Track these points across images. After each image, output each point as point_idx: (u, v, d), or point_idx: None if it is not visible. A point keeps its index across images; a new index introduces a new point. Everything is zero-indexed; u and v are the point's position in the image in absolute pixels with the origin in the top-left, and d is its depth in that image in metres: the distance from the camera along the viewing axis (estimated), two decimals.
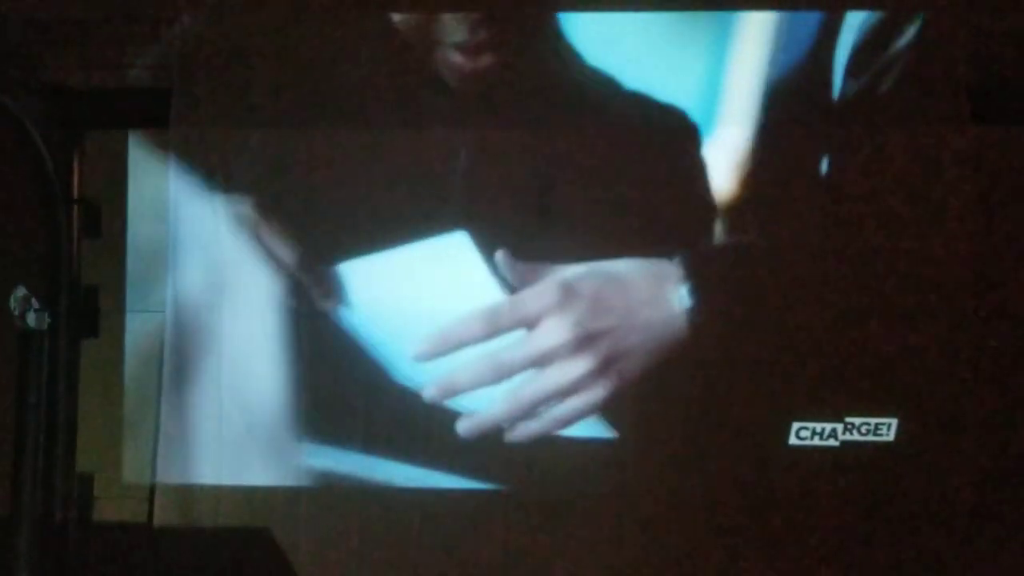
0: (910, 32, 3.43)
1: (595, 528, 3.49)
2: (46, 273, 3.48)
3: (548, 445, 3.45)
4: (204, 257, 3.62)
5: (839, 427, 3.39)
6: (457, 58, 3.41)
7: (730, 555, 3.43)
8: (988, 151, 3.42)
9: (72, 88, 3.63)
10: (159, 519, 3.60)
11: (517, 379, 3.38)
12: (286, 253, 3.57)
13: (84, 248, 3.64)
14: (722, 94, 3.43)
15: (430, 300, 3.46)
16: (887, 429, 3.38)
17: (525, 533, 3.50)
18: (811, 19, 3.43)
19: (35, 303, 2.75)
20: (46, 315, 2.74)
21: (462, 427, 3.40)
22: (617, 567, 3.47)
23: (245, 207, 3.59)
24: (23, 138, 3.40)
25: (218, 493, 3.60)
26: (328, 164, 3.59)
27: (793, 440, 3.40)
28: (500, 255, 3.32)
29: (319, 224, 3.57)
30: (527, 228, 3.44)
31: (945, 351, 3.38)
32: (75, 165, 3.62)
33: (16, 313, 2.71)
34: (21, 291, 2.74)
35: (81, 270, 3.62)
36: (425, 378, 3.47)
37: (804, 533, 3.42)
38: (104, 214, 3.65)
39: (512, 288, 3.38)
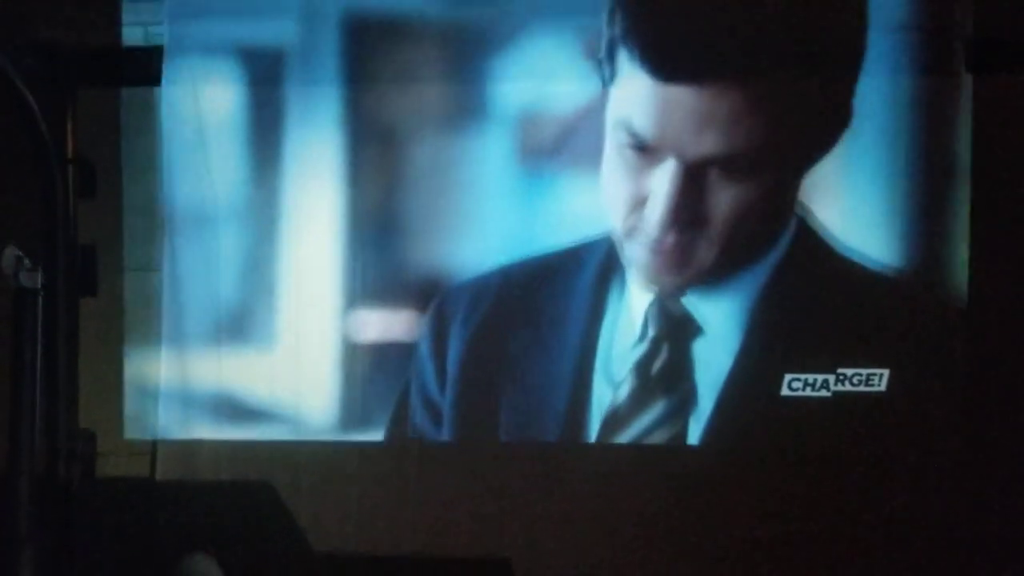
0: None
1: (587, 479, 3.53)
2: (42, 233, 3.49)
3: None
4: (199, 213, 3.63)
5: (831, 378, 3.41)
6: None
7: (720, 507, 3.47)
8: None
9: (64, 47, 3.62)
10: (162, 474, 3.66)
11: None
12: None
13: (80, 207, 3.65)
14: None
15: None
16: (879, 380, 3.39)
17: (523, 484, 3.54)
18: None
19: (27, 262, 2.77)
20: (39, 274, 2.76)
21: None
22: (607, 516, 3.51)
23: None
24: (15, 98, 3.38)
25: (219, 447, 3.65)
26: None
27: (785, 391, 3.42)
28: None
29: None
30: None
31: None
32: (68, 124, 3.62)
33: (9, 272, 2.74)
34: (13, 250, 2.76)
35: (78, 229, 3.64)
36: None
37: (795, 484, 3.45)
38: (99, 173, 3.65)
39: None
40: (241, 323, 3.62)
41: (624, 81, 3.28)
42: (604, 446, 3.50)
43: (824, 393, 3.41)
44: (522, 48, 3.46)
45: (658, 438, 3.46)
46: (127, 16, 3.66)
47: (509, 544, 3.53)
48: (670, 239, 3.26)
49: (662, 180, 3.21)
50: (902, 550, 3.41)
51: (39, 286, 2.78)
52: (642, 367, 3.43)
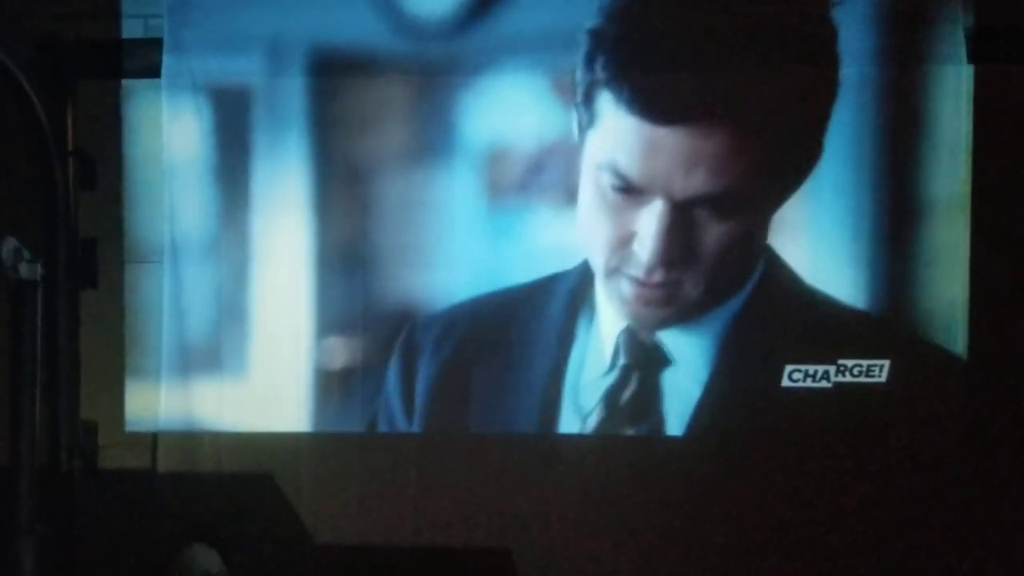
0: None
1: (588, 472, 3.53)
2: (43, 226, 3.50)
3: None
4: (201, 206, 3.64)
5: (831, 369, 3.41)
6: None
7: (722, 496, 3.47)
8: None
9: (64, 39, 3.62)
10: (163, 466, 3.66)
11: None
12: None
13: (81, 200, 3.65)
14: None
15: None
16: (879, 371, 3.39)
17: (523, 477, 3.54)
18: None
19: (27, 254, 2.77)
20: (38, 266, 2.77)
21: None
22: (610, 510, 3.52)
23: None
24: (15, 91, 3.39)
25: (220, 440, 3.66)
26: None
27: (786, 382, 3.42)
28: None
29: None
30: None
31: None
32: (69, 117, 3.62)
33: (8, 264, 2.74)
34: (12, 242, 2.76)
35: (78, 222, 3.64)
36: None
37: (796, 473, 3.45)
38: (99, 166, 3.66)
39: None
40: (213, 353, 3.64)
41: (607, 124, 3.30)
42: (601, 439, 3.50)
43: (824, 384, 3.41)
44: (489, 86, 3.49)
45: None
46: (127, 8, 3.65)
47: (509, 536, 3.54)
48: (658, 277, 3.30)
49: (650, 220, 3.24)
50: (903, 541, 3.41)
51: (39, 278, 2.79)
52: (611, 397, 3.46)
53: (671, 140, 3.22)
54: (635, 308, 3.38)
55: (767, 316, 3.41)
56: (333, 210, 3.60)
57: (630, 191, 3.26)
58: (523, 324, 3.50)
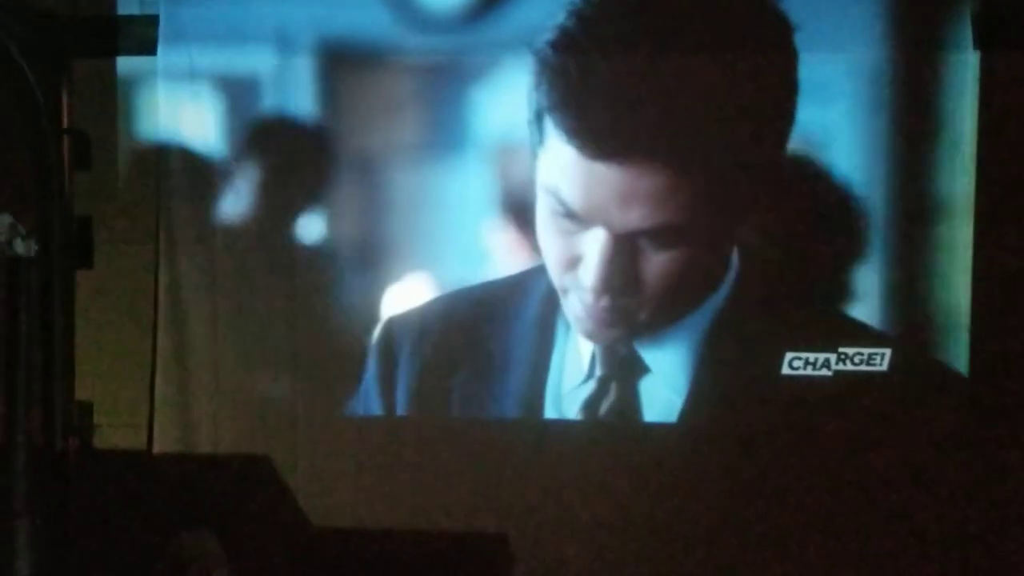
0: None
1: (593, 458, 3.52)
2: (37, 205, 3.47)
3: None
4: (196, 187, 3.61)
5: (832, 357, 3.39)
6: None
7: (721, 486, 3.47)
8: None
9: (59, 16, 3.58)
10: (159, 447, 3.65)
11: None
12: None
13: (76, 179, 3.62)
14: None
15: None
16: (880, 359, 3.38)
17: (524, 462, 3.53)
18: None
19: (21, 230, 2.75)
20: (33, 242, 2.75)
21: None
22: (618, 500, 3.52)
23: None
24: (10, 68, 3.35)
25: (217, 420, 3.64)
26: None
27: (786, 370, 3.41)
28: None
29: None
30: None
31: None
32: (63, 94, 3.58)
33: (3, 240, 2.72)
34: (7, 219, 2.74)
35: (73, 201, 3.61)
36: None
37: (796, 463, 3.44)
38: (95, 145, 3.62)
39: None
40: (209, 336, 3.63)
41: (551, 149, 3.23)
42: (593, 423, 3.48)
43: (825, 372, 3.39)
44: (498, 80, 3.44)
45: None
46: None
47: (506, 520, 3.53)
48: (603, 303, 3.25)
49: (592, 247, 3.20)
50: (905, 532, 3.41)
51: (33, 255, 2.77)
52: (591, 406, 3.44)
53: (609, 175, 3.14)
54: (587, 326, 3.35)
55: (748, 318, 3.37)
56: (337, 201, 3.57)
57: (573, 217, 3.22)
58: (500, 325, 3.48)
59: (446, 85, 3.50)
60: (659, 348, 3.38)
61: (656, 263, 3.21)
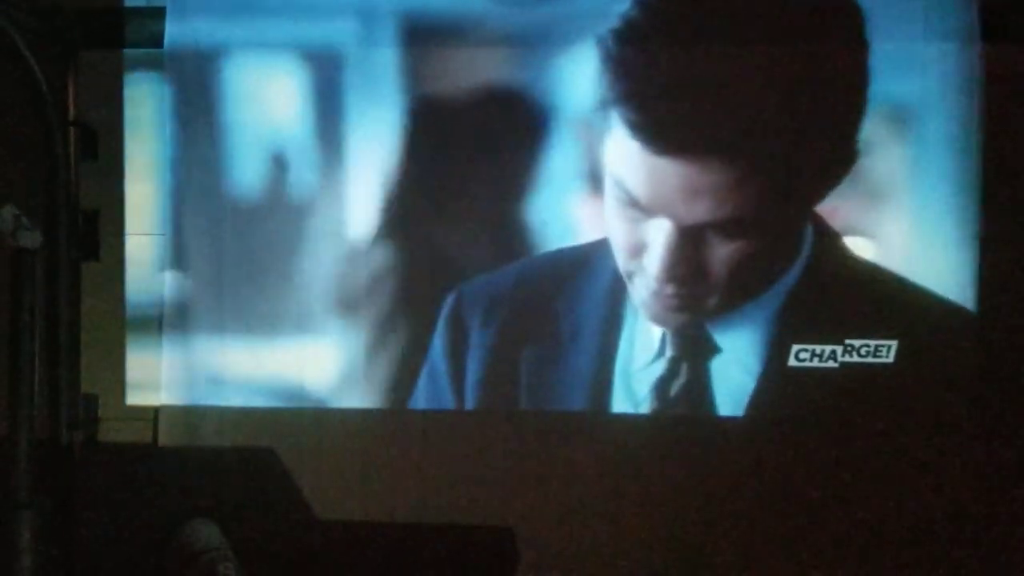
0: None
1: (596, 451, 3.51)
2: (44, 197, 3.47)
3: None
4: (202, 178, 3.61)
5: (839, 349, 3.37)
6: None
7: (727, 477, 3.45)
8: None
9: (66, 8, 3.58)
10: (163, 439, 3.65)
11: None
12: None
13: (83, 172, 3.62)
14: None
15: None
16: (887, 351, 3.36)
17: (528, 454, 3.52)
18: None
19: (26, 222, 2.75)
20: (38, 233, 2.75)
21: None
22: (615, 490, 3.50)
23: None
24: (17, 60, 3.35)
25: (222, 414, 3.64)
26: None
27: (792, 362, 3.39)
28: None
29: None
30: None
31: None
32: (70, 87, 3.59)
33: (8, 232, 2.72)
34: (12, 210, 2.74)
35: (80, 194, 3.61)
36: None
37: (801, 456, 3.43)
38: (101, 137, 3.62)
39: None
40: (273, 309, 3.58)
41: (616, 140, 3.25)
42: (606, 416, 3.47)
43: (831, 364, 3.37)
44: (579, 52, 3.39)
45: None
46: None
47: (512, 514, 3.52)
48: (668, 290, 3.26)
49: (657, 237, 3.20)
50: (908, 523, 3.40)
51: (38, 246, 2.77)
52: (661, 386, 3.41)
53: (674, 169, 3.15)
54: (653, 311, 3.34)
55: (820, 298, 3.33)
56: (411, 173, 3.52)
57: (638, 207, 3.21)
58: (569, 299, 3.44)
59: (522, 63, 3.44)
60: (730, 329, 3.35)
61: (722, 253, 3.19)
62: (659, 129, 3.17)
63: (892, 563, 3.42)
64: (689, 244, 3.18)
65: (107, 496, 3.62)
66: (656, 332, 3.40)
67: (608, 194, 3.31)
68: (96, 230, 3.64)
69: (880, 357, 3.36)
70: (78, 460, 3.63)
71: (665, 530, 3.48)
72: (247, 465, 3.60)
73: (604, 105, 3.27)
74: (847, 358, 3.37)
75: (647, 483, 3.48)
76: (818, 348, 3.38)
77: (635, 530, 3.48)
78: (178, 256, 3.61)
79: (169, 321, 3.62)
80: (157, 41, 3.56)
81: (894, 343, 3.36)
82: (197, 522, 3.50)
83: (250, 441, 3.61)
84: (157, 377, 3.64)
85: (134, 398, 3.67)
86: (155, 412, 3.65)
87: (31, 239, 2.76)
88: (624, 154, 3.22)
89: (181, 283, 3.62)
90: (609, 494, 3.49)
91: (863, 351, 3.37)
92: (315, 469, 3.60)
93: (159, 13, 3.56)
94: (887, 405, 3.39)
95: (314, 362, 3.57)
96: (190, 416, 3.64)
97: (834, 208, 3.31)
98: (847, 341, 3.37)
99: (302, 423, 3.60)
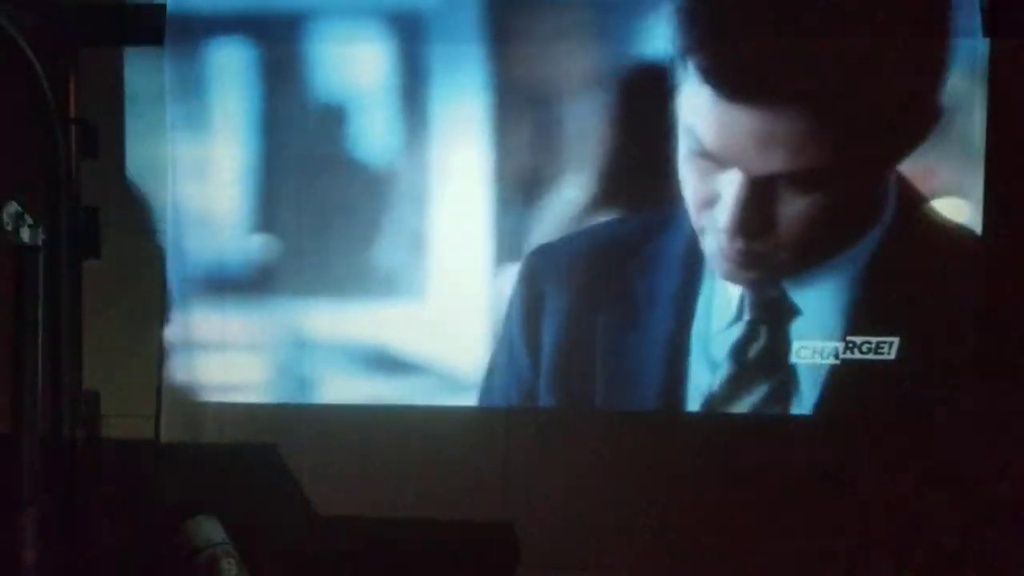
0: None
1: (597, 446, 3.51)
2: (45, 195, 3.47)
3: None
4: (203, 175, 3.60)
5: (839, 345, 3.37)
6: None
7: (727, 475, 3.45)
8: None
9: (66, 5, 3.58)
10: (166, 436, 3.65)
11: None
12: None
13: (84, 170, 3.61)
14: None
15: None
16: (888, 348, 3.36)
17: (528, 452, 3.52)
18: None
19: (28, 219, 2.75)
20: (40, 230, 2.75)
21: None
22: (616, 484, 3.50)
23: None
24: (17, 57, 3.35)
25: (224, 410, 3.64)
26: None
27: (793, 358, 3.39)
28: None
29: None
30: None
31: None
32: (71, 84, 3.58)
33: (9, 228, 2.72)
34: (13, 207, 2.74)
35: (81, 191, 3.61)
36: None
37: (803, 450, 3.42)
38: (102, 134, 3.62)
39: None
40: (356, 271, 3.53)
41: (689, 89, 3.21)
42: (602, 413, 3.48)
43: (832, 361, 3.37)
44: (663, 9, 3.34)
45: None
46: None
47: (513, 509, 3.53)
48: (738, 245, 3.20)
49: (728, 189, 3.15)
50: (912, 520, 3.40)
51: (40, 243, 2.77)
52: (740, 349, 3.36)
53: (746, 117, 3.10)
54: (724, 267, 3.30)
55: (905, 260, 3.26)
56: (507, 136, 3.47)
57: (710, 158, 3.17)
58: (645, 262, 3.39)
59: (601, 16, 3.39)
60: (810, 290, 3.29)
61: (796, 207, 3.14)
62: (732, 75, 3.13)
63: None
64: (761, 196, 3.13)
65: (109, 493, 3.62)
66: (734, 295, 3.34)
67: (680, 146, 3.27)
68: (97, 227, 3.64)
69: (882, 354, 3.33)
70: (80, 457, 3.63)
71: (670, 523, 3.48)
72: (249, 462, 3.60)
73: (678, 54, 3.24)
74: (848, 355, 3.34)
75: (648, 479, 3.48)
76: (818, 344, 3.35)
77: (637, 523, 3.49)
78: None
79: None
80: (158, 38, 3.56)
81: (895, 340, 3.31)
82: (199, 518, 3.51)
83: (252, 438, 3.62)
84: (158, 373, 3.64)
85: (136, 395, 3.67)
86: (157, 409, 3.65)
87: (33, 236, 2.76)
88: (697, 103, 3.18)
89: (266, 245, 3.57)
90: (615, 489, 3.49)
91: (864, 347, 3.32)
92: (317, 465, 3.60)
93: (160, 10, 3.55)
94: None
95: (397, 323, 3.52)
96: (192, 413, 3.65)
97: (924, 169, 3.23)
98: (848, 338, 3.33)
99: (304, 419, 3.61)
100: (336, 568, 3.58)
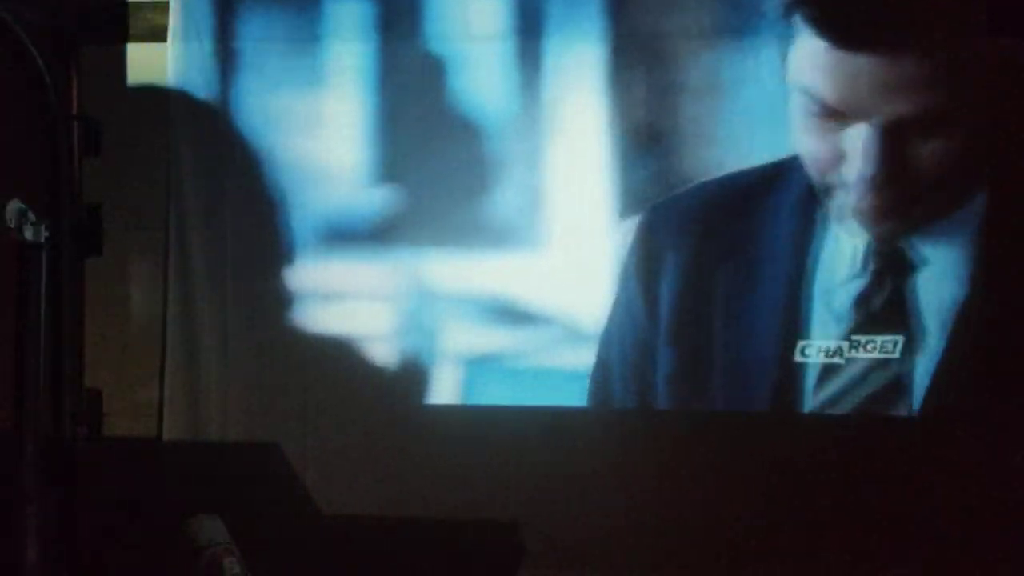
0: None
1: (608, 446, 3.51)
2: (47, 192, 3.47)
3: None
4: (206, 172, 3.60)
5: (845, 345, 3.36)
6: None
7: (734, 473, 3.44)
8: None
9: (69, 2, 3.58)
10: (168, 434, 3.65)
11: None
12: None
13: (85, 166, 3.62)
14: None
15: None
16: (893, 347, 3.35)
17: (526, 452, 3.51)
18: None
19: (32, 216, 2.75)
20: (43, 228, 2.75)
21: None
22: (634, 487, 3.49)
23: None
24: (20, 54, 3.35)
25: (226, 408, 3.64)
26: None
27: (798, 358, 3.38)
28: None
29: None
30: None
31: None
32: (73, 81, 3.59)
33: (12, 226, 2.72)
34: (17, 204, 2.74)
35: (83, 188, 3.61)
36: None
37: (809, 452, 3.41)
38: (104, 131, 3.62)
39: None
40: (505, 228, 3.52)
41: (802, 46, 3.19)
42: (605, 412, 3.49)
43: (838, 360, 3.36)
44: None
45: (882, 378, 3.36)
46: None
47: (516, 509, 3.52)
48: (870, 199, 3.19)
49: (855, 144, 3.13)
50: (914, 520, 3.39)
51: (43, 241, 2.77)
52: (863, 301, 3.32)
53: (866, 65, 3.09)
54: (859, 221, 3.26)
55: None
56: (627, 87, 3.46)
57: (831, 115, 3.14)
58: (759, 219, 3.37)
59: None
60: (934, 241, 3.26)
61: (925, 153, 3.13)
62: (847, 23, 3.12)
63: None
64: (890, 146, 3.11)
65: (111, 490, 3.62)
66: (857, 247, 3.31)
67: (796, 108, 3.25)
68: (99, 224, 3.63)
69: (887, 353, 3.31)
70: (81, 454, 3.63)
71: (679, 520, 3.47)
72: (252, 460, 3.60)
73: (787, 10, 3.22)
74: (854, 354, 3.33)
75: (651, 477, 3.47)
76: (823, 344, 3.34)
77: (646, 523, 3.48)
78: (181, 250, 3.59)
79: (173, 316, 3.60)
80: (160, 35, 3.56)
81: (900, 338, 3.31)
82: (202, 516, 3.50)
83: (254, 436, 3.62)
84: (161, 371, 3.64)
85: (138, 393, 3.67)
86: (159, 406, 3.65)
87: (36, 234, 2.76)
88: (812, 58, 3.17)
89: (390, 197, 3.56)
90: (618, 487, 3.48)
91: (869, 346, 3.32)
92: (319, 463, 3.60)
93: (162, 7, 3.56)
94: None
95: (518, 274, 3.52)
96: (194, 410, 3.65)
97: None
98: (853, 337, 3.31)
99: (305, 417, 3.60)
100: (336, 568, 3.57)
